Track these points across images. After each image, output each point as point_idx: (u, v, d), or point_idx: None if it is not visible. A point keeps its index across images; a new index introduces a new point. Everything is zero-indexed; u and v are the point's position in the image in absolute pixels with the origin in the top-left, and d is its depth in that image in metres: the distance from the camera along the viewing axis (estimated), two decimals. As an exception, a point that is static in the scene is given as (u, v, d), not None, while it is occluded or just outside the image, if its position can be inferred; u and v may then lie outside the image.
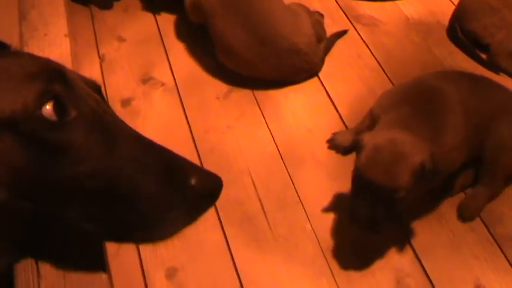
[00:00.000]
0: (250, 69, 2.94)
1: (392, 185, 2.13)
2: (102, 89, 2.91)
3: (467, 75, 2.69)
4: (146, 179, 1.43)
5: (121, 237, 1.59)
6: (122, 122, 1.54)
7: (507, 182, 2.64)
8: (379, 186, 2.13)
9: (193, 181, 1.46)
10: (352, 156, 2.58)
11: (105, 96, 1.62)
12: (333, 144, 2.75)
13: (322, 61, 3.09)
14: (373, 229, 2.25)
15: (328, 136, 2.82)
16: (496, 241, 2.49)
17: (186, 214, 1.49)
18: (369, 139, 2.21)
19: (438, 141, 2.30)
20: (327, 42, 3.16)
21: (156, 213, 1.45)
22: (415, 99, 2.44)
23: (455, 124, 2.38)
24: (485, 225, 2.54)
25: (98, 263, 2.18)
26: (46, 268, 1.98)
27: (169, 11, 3.35)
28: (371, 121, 2.57)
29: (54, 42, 2.77)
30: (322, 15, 3.31)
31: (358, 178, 2.21)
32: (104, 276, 2.12)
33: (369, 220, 2.21)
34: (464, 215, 2.53)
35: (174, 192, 1.45)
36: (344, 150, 2.74)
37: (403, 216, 2.48)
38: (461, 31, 3.29)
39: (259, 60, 2.90)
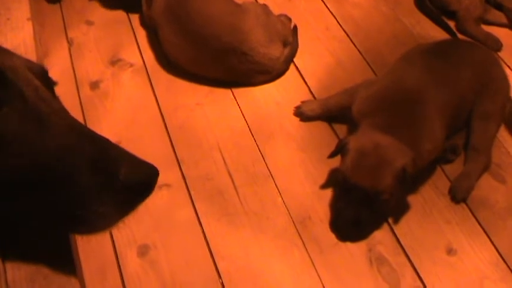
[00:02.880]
0: (202, 72, 2.93)
1: (376, 187, 2.22)
2: (71, 72, 2.95)
3: (442, 52, 2.70)
4: (76, 171, 1.40)
5: (64, 228, 1.57)
6: (60, 110, 1.51)
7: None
8: (364, 189, 2.23)
9: (123, 174, 1.42)
10: (321, 128, 2.60)
11: (53, 80, 1.60)
12: (298, 111, 2.77)
13: (285, 63, 2.99)
14: (358, 229, 2.35)
15: (298, 109, 2.79)
16: (467, 205, 2.50)
17: (118, 207, 1.45)
18: (354, 144, 2.28)
19: (419, 146, 2.35)
20: (293, 45, 3.07)
21: (86, 206, 1.42)
22: (394, 105, 2.45)
23: (434, 129, 2.42)
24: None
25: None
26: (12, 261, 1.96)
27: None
28: (343, 101, 2.62)
29: (17, 27, 2.75)
30: (289, 19, 3.24)
31: (344, 181, 2.28)
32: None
33: (354, 222, 2.32)
34: (457, 196, 2.55)
35: (102, 186, 1.42)
36: (307, 119, 2.75)
37: (387, 215, 2.49)
38: (429, 1, 3.28)
39: (202, 64, 2.90)
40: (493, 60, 2.76)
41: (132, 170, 1.44)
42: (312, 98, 2.82)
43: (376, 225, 2.43)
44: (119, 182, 1.40)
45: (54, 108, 1.44)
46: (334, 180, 2.52)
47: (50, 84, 1.58)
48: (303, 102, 2.76)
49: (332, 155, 2.34)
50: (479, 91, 2.58)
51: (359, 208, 2.29)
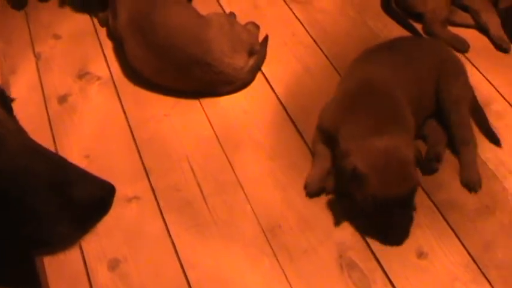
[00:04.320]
0: (168, 83, 2.93)
1: (411, 187, 2.26)
2: (39, 88, 2.94)
3: (394, 46, 2.77)
4: (31, 192, 1.39)
5: (23, 249, 1.55)
6: (15, 131, 1.49)
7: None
8: (404, 196, 2.26)
9: (78, 192, 1.41)
10: (289, 135, 2.68)
11: (10, 98, 1.58)
12: (310, 191, 2.59)
13: (250, 73, 2.98)
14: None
15: (265, 116, 2.83)
16: (437, 208, 2.50)
17: (76, 226, 1.44)
18: (362, 163, 2.25)
19: (405, 131, 2.39)
20: (260, 54, 3.07)
21: (43, 227, 1.41)
22: (366, 104, 2.47)
23: (408, 115, 2.47)
24: (426, 193, 2.55)
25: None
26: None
27: (103, 7, 3.30)
28: (325, 138, 2.57)
29: (-20, 43, 2.74)
30: (257, 27, 3.24)
31: (378, 203, 2.26)
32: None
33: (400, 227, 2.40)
34: (476, 188, 2.59)
35: (59, 206, 1.41)
36: (320, 191, 2.60)
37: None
38: (394, 2, 3.29)
39: (167, 75, 2.90)
40: (445, 49, 2.86)
41: (87, 189, 1.42)
42: (280, 106, 2.84)
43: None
44: (75, 201, 1.39)
45: (9, 128, 1.43)
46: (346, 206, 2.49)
47: (6, 103, 1.56)
48: (306, 184, 2.60)
49: (345, 188, 2.36)
50: (437, 78, 2.65)
51: (407, 211, 2.35)
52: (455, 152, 2.63)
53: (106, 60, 3.05)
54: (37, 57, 3.11)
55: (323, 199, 2.49)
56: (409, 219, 2.38)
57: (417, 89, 2.56)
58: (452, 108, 2.64)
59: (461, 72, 2.76)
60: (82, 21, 3.31)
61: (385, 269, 2.32)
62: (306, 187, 2.52)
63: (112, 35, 3.08)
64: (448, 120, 2.65)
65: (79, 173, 1.43)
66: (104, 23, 3.22)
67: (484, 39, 3.20)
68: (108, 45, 3.13)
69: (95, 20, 3.30)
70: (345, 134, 2.37)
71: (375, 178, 2.22)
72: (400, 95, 2.47)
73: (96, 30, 3.23)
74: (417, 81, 2.58)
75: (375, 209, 2.26)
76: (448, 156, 2.65)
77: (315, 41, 3.15)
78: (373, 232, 2.41)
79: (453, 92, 2.66)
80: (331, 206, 2.48)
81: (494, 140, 2.70)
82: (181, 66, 2.77)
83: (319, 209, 2.44)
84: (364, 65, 2.65)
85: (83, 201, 1.38)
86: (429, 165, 2.58)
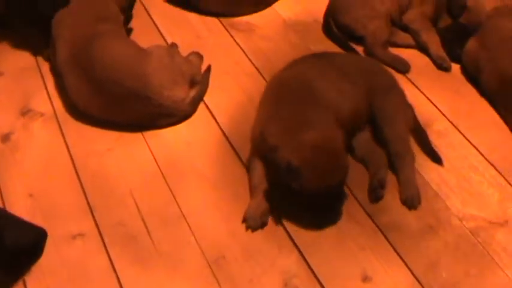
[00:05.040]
0: (109, 117, 2.93)
1: (346, 172, 2.39)
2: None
3: (327, 58, 2.89)
4: None
5: None
6: None
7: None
8: (338, 183, 2.38)
9: (9, 239, 1.41)
10: (233, 165, 2.73)
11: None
12: (252, 224, 2.57)
13: (191, 105, 2.99)
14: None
15: (208, 147, 2.85)
16: (380, 230, 2.52)
17: (8, 272, 1.44)
18: (297, 159, 2.32)
19: (331, 122, 2.47)
20: (201, 85, 3.08)
21: None
22: (289, 100, 2.56)
23: (334, 104, 2.57)
24: (369, 216, 2.57)
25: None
26: None
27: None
28: (260, 169, 2.60)
29: None
30: (200, 57, 3.25)
31: (315, 192, 2.35)
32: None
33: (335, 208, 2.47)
34: (415, 204, 2.63)
35: None
36: (264, 224, 2.59)
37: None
38: (335, 26, 3.33)
39: (108, 110, 2.90)
40: (376, 64, 2.96)
41: (18, 234, 1.43)
42: (222, 136, 2.87)
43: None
44: (8, 248, 1.40)
45: None
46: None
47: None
48: (244, 214, 2.58)
49: (286, 180, 2.38)
50: (368, 93, 2.73)
51: (340, 194, 2.44)
52: (393, 168, 2.67)
53: (49, 96, 3.05)
54: (-20, 97, 3.07)
55: (266, 228, 2.51)
56: (342, 200, 2.48)
57: (341, 94, 2.63)
58: (386, 123, 2.70)
59: (394, 87, 2.83)
60: (24, 57, 3.30)
61: (331, 295, 2.28)
62: (245, 221, 2.52)
63: (54, 69, 3.06)
64: (383, 135, 2.70)
65: (11, 220, 1.44)
66: (48, 58, 3.20)
67: (425, 59, 3.25)
68: (50, 80, 3.13)
69: (37, 55, 3.27)
70: (272, 131, 2.42)
71: (309, 170, 2.28)
72: (326, 87, 2.55)
73: (38, 66, 3.23)
74: (342, 87, 2.66)
75: (312, 197, 2.36)
76: (389, 176, 2.65)
77: (257, 69, 3.18)
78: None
79: (386, 107, 2.72)
80: (275, 234, 2.48)
81: (436, 159, 2.75)
82: (121, 101, 2.78)
83: (262, 238, 2.45)
84: (286, 69, 2.75)
85: (15, 247, 1.39)
86: (374, 194, 2.61)
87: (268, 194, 2.54)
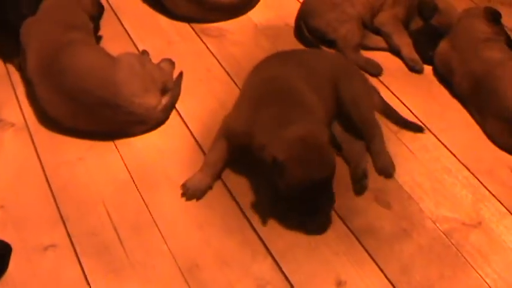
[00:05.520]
0: (81, 126, 2.91)
1: (332, 169, 2.38)
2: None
3: (294, 54, 2.95)
4: None
5: None
6: None
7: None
8: (327, 180, 2.35)
9: None
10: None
11: None
12: (190, 193, 2.67)
13: (163, 112, 2.98)
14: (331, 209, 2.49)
15: (180, 154, 2.83)
16: (353, 234, 2.53)
17: None
18: (282, 154, 2.34)
19: (315, 118, 2.49)
20: (173, 92, 3.07)
21: None
22: (273, 99, 2.55)
23: (313, 101, 2.58)
24: (342, 220, 2.57)
25: None
26: None
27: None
28: (223, 150, 2.65)
29: None
30: (172, 64, 3.24)
31: (302, 190, 2.34)
32: None
33: (324, 210, 2.45)
34: (391, 171, 2.74)
35: None
36: (203, 194, 2.67)
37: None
38: (307, 30, 3.33)
39: (79, 119, 2.88)
40: (338, 57, 3.07)
41: None
42: (195, 144, 2.86)
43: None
44: None
45: None
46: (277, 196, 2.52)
47: None
48: (186, 182, 2.67)
49: (274, 176, 2.38)
50: (334, 83, 2.78)
51: (328, 195, 2.40)
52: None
53: (20, 106, 3.02)
54: None
55: (238, 235, 2.49)
56: (331, 202, 2.43)
57: (315, 91, 2.66)
58: (352, 108, 2.77)
59: (356, 75, 2.92)
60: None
61: (305, 301, 2.28)
62: (184, 188, 2.64)
63: (25, 78, 3.04)
64: (350, 117, 2.77)
65: None
66: (19, 67, 3.17)
67: (397, 61, 3.27)
68: (21, 89, 3.09)
69: (8, 63, 3.25)
70: (259, 131, 2.43)
71: (295, 165, 2.29)
72: (303, 86, 2.57)
73: (8, 74, 3.20)
74: (315, 83, 2.69)
75: (298, 196, 2.35)
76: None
77: (229, 75, 3.17)
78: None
79: (350, 91, 2.79)
80: (248, 240, 2.48)
81: (417, 128, 2.92)
82: (92, 109, 2.75)
83: (236, 245, 2.45)
84: (264, 68, 2.79)
85: None
86: (360, 185, 2.67)
87: (215, 175, 2.65)
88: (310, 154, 2.31)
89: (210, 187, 2.64)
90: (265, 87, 2.60)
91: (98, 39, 3.29)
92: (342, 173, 2.70)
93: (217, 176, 2.68)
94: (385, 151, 2.78)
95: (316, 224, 2.49)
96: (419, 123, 2.97)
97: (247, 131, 2.47)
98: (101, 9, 3.29)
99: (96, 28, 3.27)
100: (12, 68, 3.24)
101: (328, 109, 2.69)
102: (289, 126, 2.35)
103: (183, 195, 2.63)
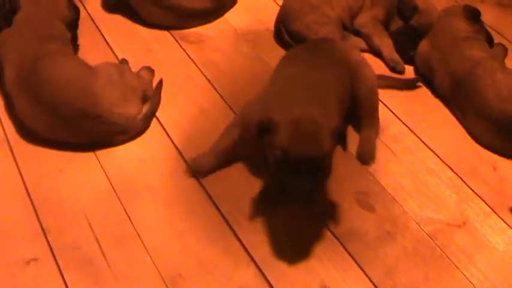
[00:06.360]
0: (61, 138, 2.88)
1: (321, 152, 2.27)
2: None
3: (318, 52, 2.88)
4: None
5: None
6: None
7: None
8: (310, 157, 2.25)
9: None
10: (187, 182, 2.70)
11: None
12: (195, 170, 2.74)
13: (144, 121, 2.95)
14: (310, 200, 2.46)
15: (161, 163, 2.80)
16: (337, 239, 2.52)
17: None
18: (282, 117, 2.31)
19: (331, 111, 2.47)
20: (153, 101, 3.05)
21: None
22: (297, 88, 2.55)
23: (330, 96, 2.56)
24: (326, 225, 2.55)
25: None
26: None
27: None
28: (233, 137, 2.68)
29: None
30: (151, 71, 3.21)
31: (285, 157, 2.28)
32: None
33: (303, 193, 2.32)
34: (367, 159, 2.79)
35: None
36: (206, 173, 2.73)
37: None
38: (287, 33, 3.32)
39: (59, 131, 2.85)
40: (353, 55, 2.96)
41: None
42: (176, 152, 2.85)
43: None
44: None
45: None
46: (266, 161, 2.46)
47: None
48: (192, 160, 2.74)
49: (259, 136, 2.35)
50: (356, 77, 2.82)
51: (310, 179, 2.29)
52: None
53: (-1, 118, 2.98)
54: None
55: (221, 243, 2.49)
56: (310, 187, 2.33)
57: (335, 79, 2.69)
58: (364, 98, 2.86)
59: (370, 68, 2.93)
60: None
61: (290, 308, 2.26)
62: (191, 164, 2.72)
63: (3, 92, 3.02)
64: (360, 104, 2.86)
65: None
66: None
67: (378, 62, 3.27)
68: (0, 102, 3.05)
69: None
70: (270, 108, 2.41)
71: (286, 130, 2.27)
72: (325, 77, 2.61)
73: (-13, 87, 3.16)
74: (335, 72, 2.73)
75: (282, 165, 2.30)
76: (346, 185, 2.64)
77: (209, 81, 3.16)
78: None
79: (366, 84, 2.87)
80: (231, 249, 2.47)
81: (413, 83, 3.16)
82: (71, 121, 2.73)
83: (219, 253, 2.44)
84: (292, 56, 2.86)
85: None
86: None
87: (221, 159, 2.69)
88: (304, 129, 2.27)
89: (213, 170, 2.71)
90: (288, 74, 2.65)
91: (78, 48, 3.25)
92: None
93: (223, 162, 2.73)
94: (374, 143, 2.84)
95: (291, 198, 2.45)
96: (403, 126, 3.02)
97: (263, 109, 2.44)
98: (77, 12, 3.25)
99: (75, 37, 3.23)
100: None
101: (343, 102, 2.73)
102: (296, 106, 2.35)
103: (187, 171, 2.71)
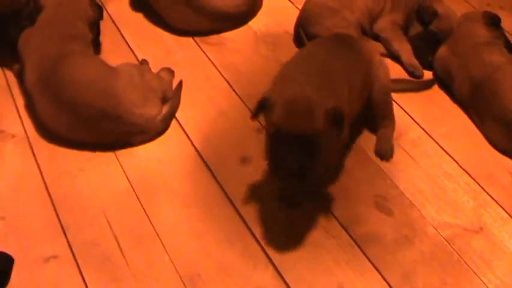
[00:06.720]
0: (81, 137, 2.90)
1: (312, 129, 2.28)
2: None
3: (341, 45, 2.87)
4: None
5: None
6: None
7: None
8: (301, 134, 2.26)
9: None
10: (205, 182, 2.71)
11: None
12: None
13: (164, 122, 2.96)
14: (300, 178, 2.41)
15: (180, 163, 2.85)
16: (356, 242, 2.52)
17: None
18: (279, 95, 2.33)
19: (335, 96, 2.44)
20: (173, 102, 3.06)
21: None
22: (307, 70, 2.55)
23: (341, 85, 2.54)
24: (344, 229, 2.57)
25: None
26: None
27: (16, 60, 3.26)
28: None
29: None
30: (171, 73, 3.23)
31: (277, 133, 2.31)
32: None
33: (297, 171, 2.33)
34: (387, 156, 2.84)
35: None
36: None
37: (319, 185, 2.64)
38: (306, 36, 3.32)
39: (80, 131, 2.88)
40: (374, 55, 2.95)
41: None
42: (195, 153, 2.86)
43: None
44: None
45: None
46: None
47: None
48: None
49: (256, 114, 2.37)
50: (372, 75, 2.81)
51: (299, 157, 2.29)
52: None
53: (20, 117, 3.02)
54: None
55: (240, 244, 2.50)
56: (300, 164, 2.33)
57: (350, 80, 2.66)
58: (381, 96, 2.86)
59: (387, 69, 2.92)
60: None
61: (308, 310, 2.27)
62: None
63: (25, 91, 3.04)
64: (376, 105, 2.87)
65: None
66: (18, 74, 3.16)
67: (397, 67, 3.27)
68: (21, 101, 3.09)
69: (8, 74, 3.25)
70: (274, 87, 2.46)
71: (283, 108, 2.28)
72: (343, 74, 2.59)
73: (9, 86, 3.19)
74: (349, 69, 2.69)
75: (275, 141, 2.33)
76: (362, 189, 2.67)
77: (228, 83, 3.17)
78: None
79: (383, 83, 2.86)
80: (249, 250, 2.48)
81: (429, 84, 3.17)
82: (93, 121, 2.76)
83: (237, 254, 2.45)
84: (317, 45, 2.88)
85: None
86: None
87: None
88: (298, 107, 2.29)
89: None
90: (301, 57, 2.69)
91: (99, 49, 3.27)
92: (344, 182, 2.74)
93: None
94: (391, 140, 2.88)
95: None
96: (421, 131, 3.01)
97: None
98: (100, 11, 3.27)
99: (97, 37, 3.26)
100: (12, 80, 3.24)
101: (356, 93, 2.70)
102: (294, 85, 2.37)
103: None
